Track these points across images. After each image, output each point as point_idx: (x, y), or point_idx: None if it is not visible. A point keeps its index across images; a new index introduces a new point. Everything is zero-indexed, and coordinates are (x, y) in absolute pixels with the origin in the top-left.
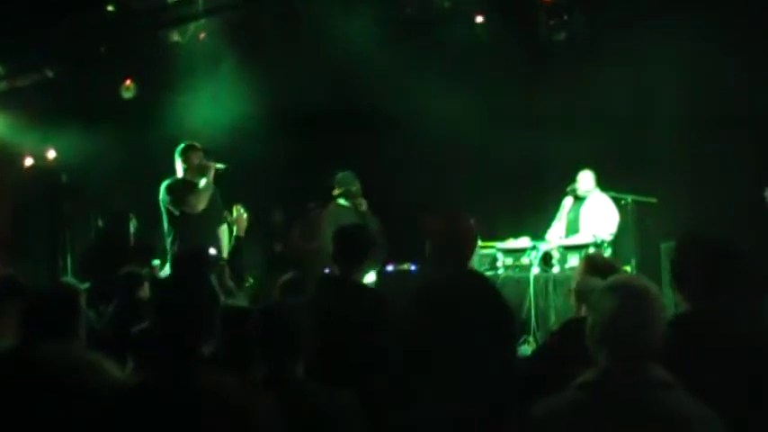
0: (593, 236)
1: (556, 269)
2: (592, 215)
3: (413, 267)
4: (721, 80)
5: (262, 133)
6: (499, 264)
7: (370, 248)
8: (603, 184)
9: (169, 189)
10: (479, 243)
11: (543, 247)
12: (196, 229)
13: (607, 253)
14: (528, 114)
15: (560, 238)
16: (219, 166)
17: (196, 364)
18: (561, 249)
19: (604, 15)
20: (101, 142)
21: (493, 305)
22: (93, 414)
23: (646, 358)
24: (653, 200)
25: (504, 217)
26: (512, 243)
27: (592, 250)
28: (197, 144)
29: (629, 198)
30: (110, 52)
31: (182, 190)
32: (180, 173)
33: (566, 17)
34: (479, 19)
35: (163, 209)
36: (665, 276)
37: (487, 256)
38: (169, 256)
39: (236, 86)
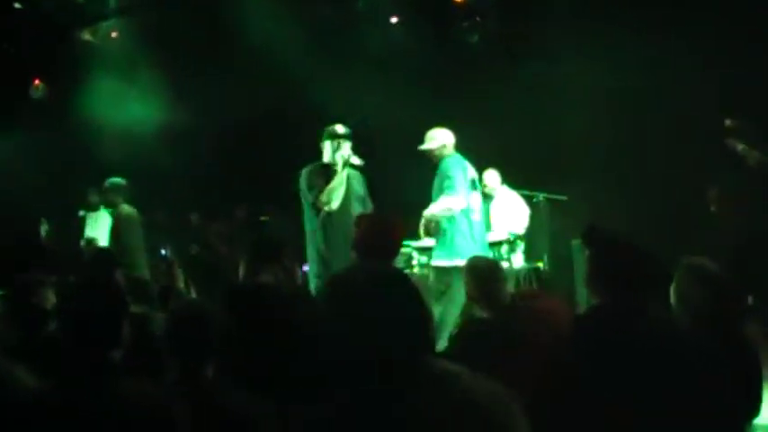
0: (508, 232)
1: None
2: (502, 212)
3: None
4: (634, 78)
5: (179, 135)
6: (414, 262)
7: (280, 249)
8: (516, 182)
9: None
10: None
11: None
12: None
13: (520, 248)
14: (441, 114)
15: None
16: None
17: (104, 369)
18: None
19: (517, 16)
20: (9, 144)
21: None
22: (3, 423)
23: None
24: (563, 197)
25: (420, 216)
26: (427, 241)
27: (505, 248)
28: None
29: (541, 195)
30: (18, 52)
31: None
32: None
33: (478, 19)
34: (394, 20)
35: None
36: (578, 273)
37: (403, 254)
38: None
39: (151, 87)
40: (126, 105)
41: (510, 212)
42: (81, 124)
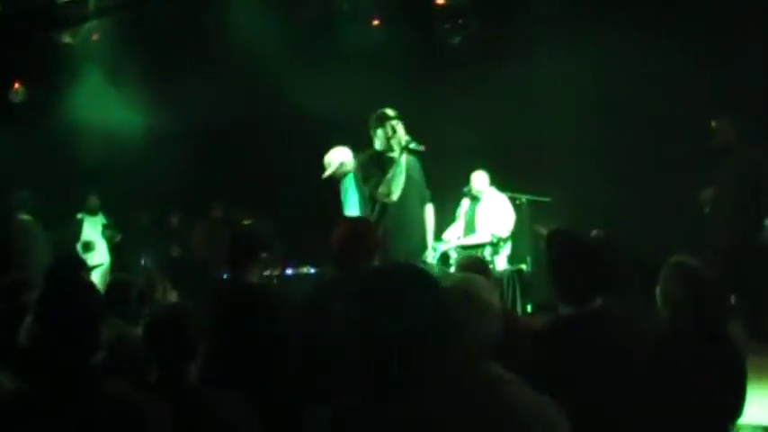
0: (491, 234)
1: (454, 269)
2: (487, 214)
3: (312, 270)
4: (615, 79)
5: (160, 137)
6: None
7: (257, 250)
8: (499, 183)
9: None
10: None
11: (441, 247)
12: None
13: (504, 251)
14: (424, 116)
15: (458, 238)
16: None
17: (84, 371)
18: (459, 249)
19: (499, 18)
20: None
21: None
22: None
23: (479, 356)
24: (546, 199)
25: None
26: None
27: (488, 251)
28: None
29: (524, 198)
30: None
31: None
32: None
33: (460, 21)
34: (376, 22)
35: None
36: None
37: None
38: None
39: (132, 89)
40: (107, 108)
41: (495, 215)
42: (61, 127)
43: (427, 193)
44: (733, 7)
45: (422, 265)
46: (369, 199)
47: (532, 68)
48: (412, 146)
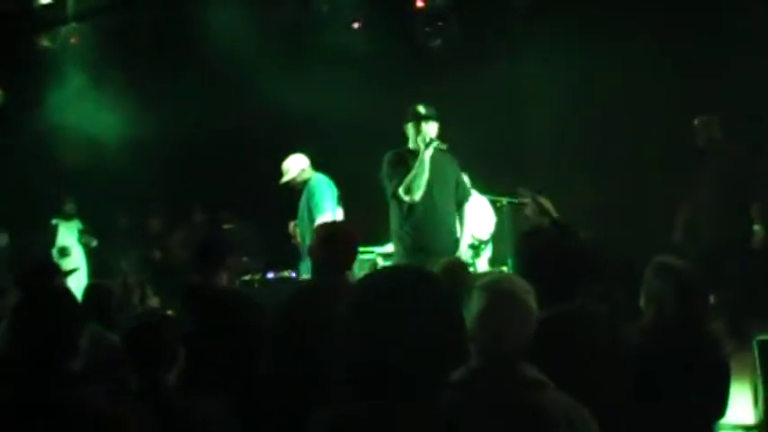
0: (472, 236)
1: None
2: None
3: (293, 275)
4: (596, 80)
5: (140, 140)
6: (379, 268)
7: (224, 254)
8: (480, 185)
9: None
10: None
11: None
12: None
13: (486, 253)
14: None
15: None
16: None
17: (60, 378)
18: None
19: (479, 21)
20: None
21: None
22: None
23: (515, 357)
24: (527, 200)
25: (385, 221)
26: (390, 247)
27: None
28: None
29: (504, 200)
30: None
31: None
32: None
33: (441, 24)
34: (356, 25)
35: None
36: None
37: (367, 261)
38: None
39: (111, 92)
40: (86, 111)
41: (476, 217)
42: (39, 131)
43: (465, 192)
44: (711, 9)
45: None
46: (392, 198)
47: (512, 71)
48: (434, 144)
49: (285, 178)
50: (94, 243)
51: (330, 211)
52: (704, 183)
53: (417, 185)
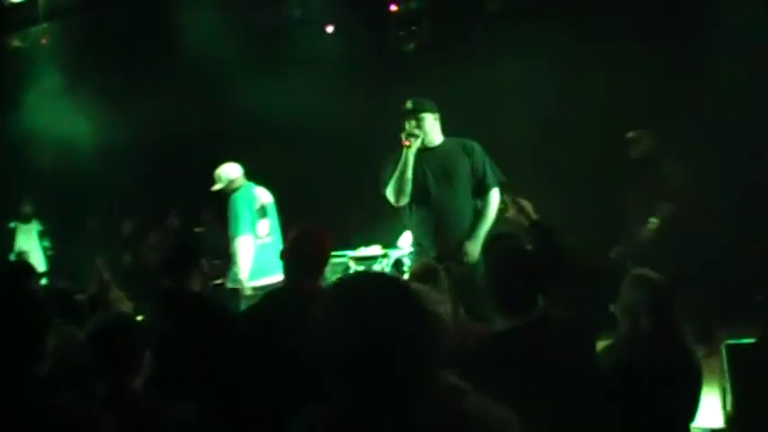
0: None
1: (407, 276)
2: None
3: None
4: (569, 83)
5: (111, 142)
6: (351, 272)
7: (198, 257)
8: None
9: None
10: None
11: (394, 254)
12: None
13: None
14: (379, 123)
15: (411, 244)
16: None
17: (25, 383)
18: (413, 256)
19: (452, 25)
20: None
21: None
22: None
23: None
24: (501, 205)
25: (357, 225)
26: (363, 251)
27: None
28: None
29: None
30: None
31: None
32: None
33: (414, 28)
34: (330, 29)
35: None
36: None
37: (339, 264)
38: None
39: (83, 93)
40: (57, 112)
41: None
42: (10, 132)
43: (486, 181)
44: (692, 11)
45: (463, 259)
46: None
47: (487, 74)
48: (416, 142)
49: (216, 186)
50: (50, 252)
51: (243, 232)
52: (638, 194)
53: (398, 187)
